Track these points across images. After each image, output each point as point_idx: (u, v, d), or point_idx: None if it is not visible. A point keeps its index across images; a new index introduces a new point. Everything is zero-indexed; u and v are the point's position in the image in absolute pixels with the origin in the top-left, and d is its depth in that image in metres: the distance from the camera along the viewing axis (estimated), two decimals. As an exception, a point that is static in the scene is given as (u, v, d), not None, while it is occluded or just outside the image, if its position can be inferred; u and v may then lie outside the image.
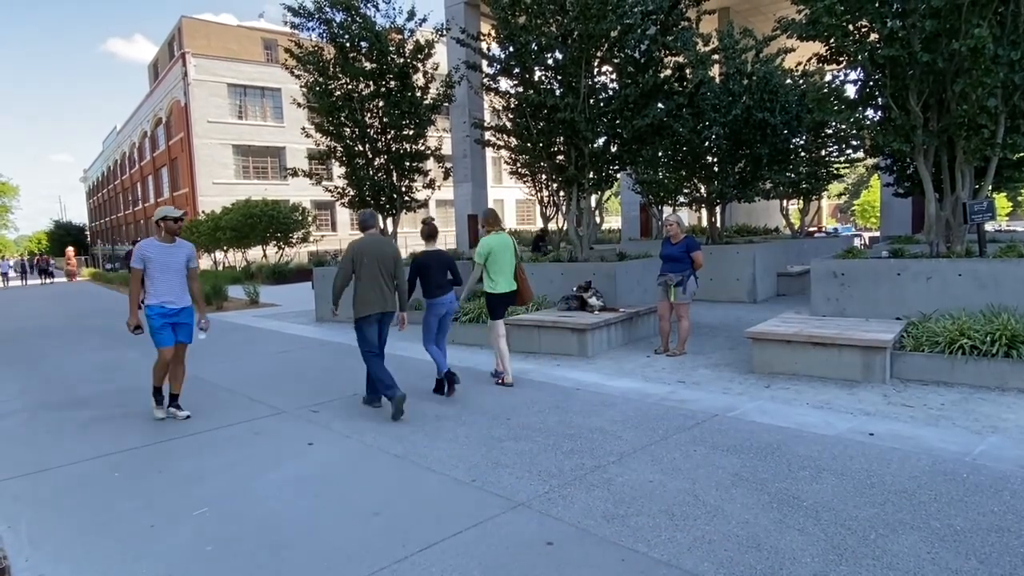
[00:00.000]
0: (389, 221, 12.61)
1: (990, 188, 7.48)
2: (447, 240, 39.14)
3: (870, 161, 13.67)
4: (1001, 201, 47.49)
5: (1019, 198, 55.78)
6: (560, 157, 10.22)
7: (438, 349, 6.42)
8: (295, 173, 12.52)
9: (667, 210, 16.45)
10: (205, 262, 34.70)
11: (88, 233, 75.80)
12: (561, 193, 12.42)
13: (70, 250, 44.24)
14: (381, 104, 11.74)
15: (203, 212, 33.94)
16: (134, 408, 6.39)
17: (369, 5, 11.66)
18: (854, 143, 15.74)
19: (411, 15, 11.93)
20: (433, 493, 3.92)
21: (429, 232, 6.52)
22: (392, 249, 6.11)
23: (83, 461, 4.84)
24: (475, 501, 3.76)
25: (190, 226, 32.33)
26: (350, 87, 11.72)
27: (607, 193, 13.03)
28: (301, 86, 12.11)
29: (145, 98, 49.95)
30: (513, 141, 11.16)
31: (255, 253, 31.10)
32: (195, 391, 7.06)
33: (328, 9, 11.43)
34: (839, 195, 65.05)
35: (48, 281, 38.89)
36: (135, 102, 53.03)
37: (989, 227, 12.93)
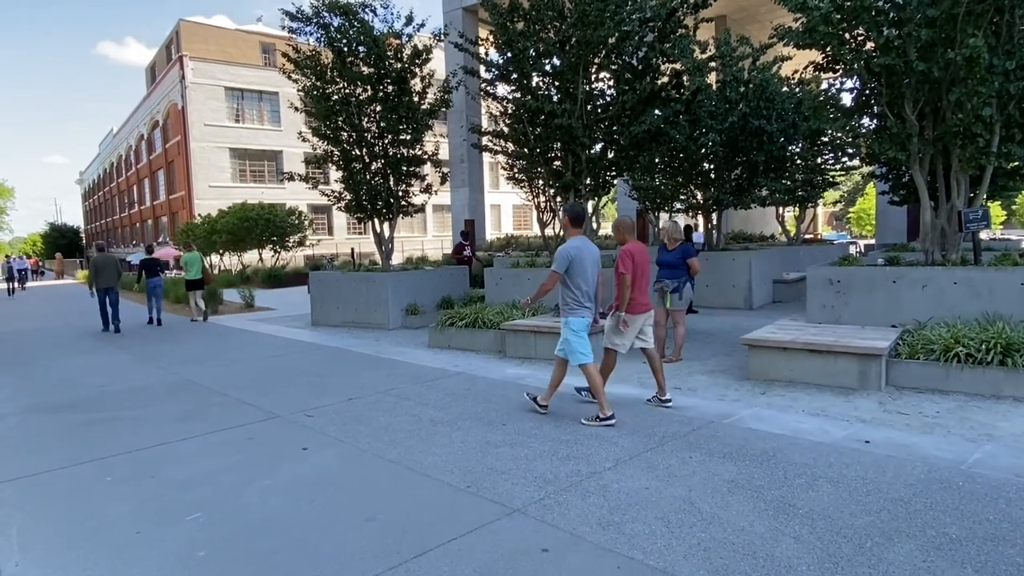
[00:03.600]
0: (386, 225, 12.60)
1: (985, 197, 7.52)
2: (444, 244, 39.06)
3: (866, 169, 13.75)
4: (996, 210, 47.74)
5: (1014, 207, 56.10)
6: (557, 163, 10.24)
7: (154, 306, 13.83)
8: (291, 177, 12.49)
9: (664, 216, 16.49)
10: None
11: (83, 235, 75.53)
12: (558, 199, 12.41)
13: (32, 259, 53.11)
14: (378, 109, 11.74)
15: (199, 215, 33.88)
16: (126, 411, 6.36)
17: (367, 10, 11.66)
18: (850, 151, 15.82)
19: (409, 20, 11.94)
20: (428, 499, 3.90)
21: (148, 248, 15.12)
22: (114, 260, 13.30)
23: (74, 465, 4.80)
24: (470, 507, 3.74)
25: (186, 229, 32.30)
26: (347, 91, 11.72)
27: (604, 199, 13.04)
28: (299, 90, 12.10)
29: (142, 101, 49.92)
30: (510, 147, 11.18)
31: (251, 256, 31.03)
32: (189, 395, 7.04)
33: (326, 14, 11.43)
34: (835, 203, 65.42)
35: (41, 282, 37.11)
36: (129, 104, 53.06)
37: (984, 235, 12.99)
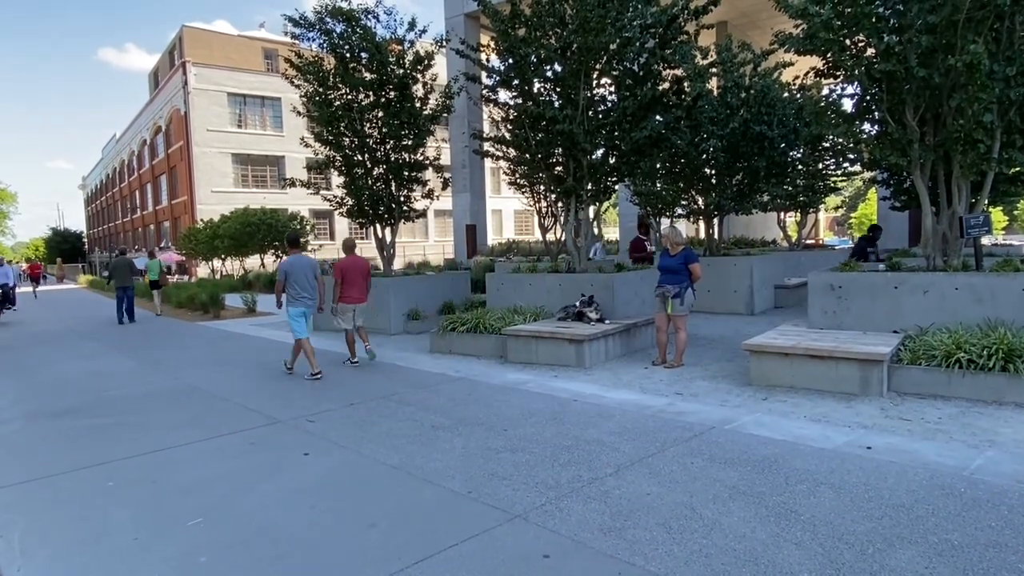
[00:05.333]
0: (388, 230, 12.63)
1: (986, 202, 7.51)
2: (445, 249, 39.13)
3: (867, 174, 13.75)
4: (997, 215, 47.71)
5: (1015, 212, 56.07)
6: (559, 168, 10.25)
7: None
8: (293, 183, 12.53)
9: (665, 222, 16.50)
10: (203, 270, 34.70)
11: (86, 240, 75.70)
12: (559, 204, 12.40)
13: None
14: (380, 114, 11.77)
15: (201, 220, 33.95)
16: (128, 416, 6.37)
17: (370, 16, 11.72)
18: (851, 156, 15.82)
19: (411, 26, 11.98)
20: (430, 505, 3.90)
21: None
22: (128, 262, 16.11)
23: (77, 470, 4.81)
24: (472, 513, 3.74)
25: (188, 234, 32.38)
26: (350, 97, 11.76)
27: (605, 204, 13.06)
28: (301, 96, 12.15)
29: (145, 106, 50.11)
30: (512, 152, 11.19)
31: (253, 261, 31.07)
32: (190, 400, 7.05)
33: (329, 20, 11.49)
34: (836, 208, 65.40)
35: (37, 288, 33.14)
36: (131, 110, 53.31)
37: (986, 241, 12.98)
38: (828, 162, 16.77)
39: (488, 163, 24.42)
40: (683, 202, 13.96)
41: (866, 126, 8.04)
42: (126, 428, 5.95)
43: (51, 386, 8.23)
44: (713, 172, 12.76)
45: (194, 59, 39.05)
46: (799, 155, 15.13)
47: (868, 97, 7.47)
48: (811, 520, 3.43)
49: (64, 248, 67.49)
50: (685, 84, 10.18)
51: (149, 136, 48.15)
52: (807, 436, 4.83)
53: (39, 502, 4.25)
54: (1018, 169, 8.62)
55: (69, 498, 4.28)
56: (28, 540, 3.66)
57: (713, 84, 12.72)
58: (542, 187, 13.31)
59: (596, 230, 11.70)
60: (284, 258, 8.78)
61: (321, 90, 11.72)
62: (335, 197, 12.60)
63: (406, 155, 12.20)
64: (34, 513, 4.06)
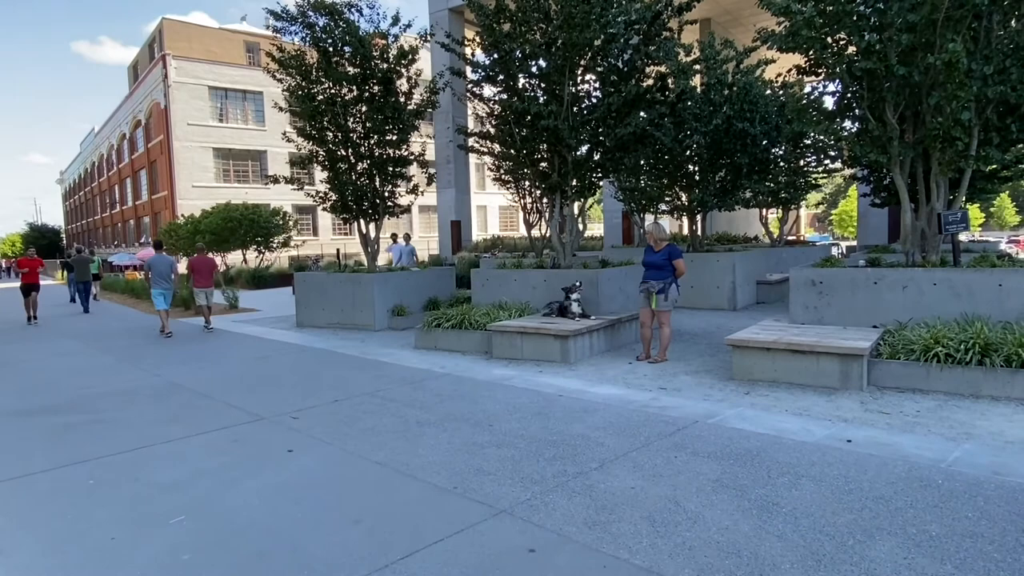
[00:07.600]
0: (372, 226, 12.56)
1: (964, 199, 7.63)
2: (430, 244, 39.07)
3: (848, 171, 13.92)
4: (975, 212, 48.49)
5: (992, 209, 57.04)
6: (543, 164, 10.26)
7: (78, 293, 19.44)
8: (276, 180, 12.40)
9: (649, 218, 16.57)
10: (183, 266, 34.30)
11: (64, 236, 74.51)
12: (544, 200, 12.42)
13: None
14: (364, 109, 11.69)
15: (182, 215, 33.53)
16: (108, 414, 6.28)
17: (353, 10, 11.62)
18: (832, 154, 16.00)
19: (395, 20, 11.90)
20: (415, 500, 3.89)
21: (78, 250, 23.59)
22: (87, 259, 19.92)
23: (56, 468, 4.74)
24: (457, 508, 3.74)
25: (168, 229, 31.99)
26: (333, 92, 11.66)
27: (590, 200, 13.10)
28: (283, 90, 12.02)
29: (124, 100, 49.35)
30: (497, 148, 11.18)
31: (235, 257, 30.77)
32: (172, 397, 6.97)
33: (311, 13, 11.37)
34: (817, 204, 66.12)
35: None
36: (109, 104, 52.43)
37: (963, 237, 13.19)
38: (809, 159, 16.94)
39: (473, 159, 24.36)
40: (667, 198, 14.04)
41: (847, 123, 8.14)
42: (106, 426, 5.88)
43: (30, 383, 8.09)
44: (696, 168, 12.85)
45: (174, 52, 38.52)
46: (781, 152, 15.27)
47: (849, 95, 7.55)
48: (793, 512, 3.47)
49: (42, 244, 66.32)
50: (669, 81, 10.22)
51: (128, 130, 47.43)
52: (789, 430, 4.89)
53: (18, 500, 4.18)
54: (995, 166, 8.78)
55: (48, 497, 4.21)
56: (6, 539, 3.61)
57: (696, 81, 12.79)
58: (527, 183, 13.32)
59: (580, 226, 11.70)
60: (149, 256, 14.22)
61: (304, 84, 11.61)
62: (319, 192, 12.50)
63: (390, 150, 12.13)
64: (13, 511, 4.00)
